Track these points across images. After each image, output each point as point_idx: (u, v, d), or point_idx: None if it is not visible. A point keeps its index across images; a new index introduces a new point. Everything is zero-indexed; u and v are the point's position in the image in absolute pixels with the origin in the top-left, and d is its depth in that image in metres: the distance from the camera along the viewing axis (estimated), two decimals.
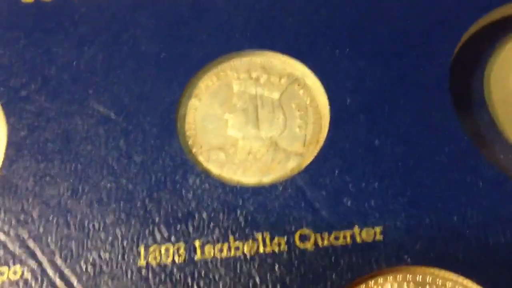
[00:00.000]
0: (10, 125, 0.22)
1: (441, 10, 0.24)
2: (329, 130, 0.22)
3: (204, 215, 0.21)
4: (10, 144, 0.22)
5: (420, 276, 0.19)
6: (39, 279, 0.20)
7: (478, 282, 0.19)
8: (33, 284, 0.20)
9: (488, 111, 0.23)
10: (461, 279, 0.19)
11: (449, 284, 0.19)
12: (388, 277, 0.19)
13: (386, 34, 0.23)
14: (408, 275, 0.19)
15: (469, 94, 0.23)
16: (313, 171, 0.21)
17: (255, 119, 0.23)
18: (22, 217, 0.21)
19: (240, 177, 0.22)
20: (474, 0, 0.24)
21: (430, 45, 0.23)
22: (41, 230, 0.21)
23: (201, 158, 0.22)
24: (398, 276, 0.19)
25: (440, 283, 0.19)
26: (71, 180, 0.21)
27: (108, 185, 0.21)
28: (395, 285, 0.19)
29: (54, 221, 0.21)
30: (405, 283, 0.19)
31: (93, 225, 0.21)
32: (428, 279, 0.19)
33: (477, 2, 0.24)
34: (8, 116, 0.23)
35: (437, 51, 0.23)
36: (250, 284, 0.19)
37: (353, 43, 0.23)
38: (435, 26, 0.23)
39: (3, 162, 0.22)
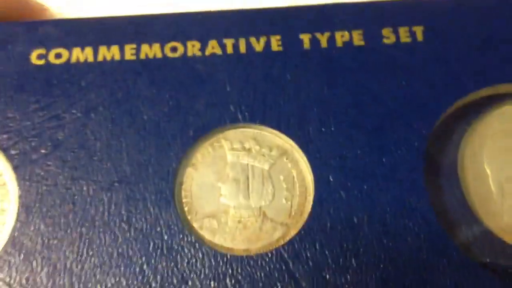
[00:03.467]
0: (21, 188, 0.24)
1: (421, 93, 0.26)
2: (313, 204, 0.24)
3: (197, 282, 0.23)
4: (21, 207, 0.24)
5: None
6: None
7: None
8: None
9: (460, 188, 0.25)
10: None
11: None
12: None
13: (368, 115, 0.25)
14: None
15: (442, 174, 0.25)
16: (296, 244, 0.23)
17: (246, 189, 0.25)
18: (31, 277, 0.23)
19: (230, 244, 0.24)
20: (451, 84, 0.26)
21: (407, 127, 0.25)
22: None
23: (195, 225, 0.24)
24: None
25: None
26: (76, 244, 0.24)
27: (110, 250, 0.24)
28: None
29: (60, 282, 0.23)
30: None
31: None
32: None
33: (454, 86, 0.26)
34: (19, 179, 0.25)
35: (414, 133, 0.25)
36: None
37: (338, 122, 0.25)
38: (414, 108, 0.26)
39: (15, 224, 0.24)
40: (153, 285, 0.23)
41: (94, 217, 0.24)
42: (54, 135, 0.26)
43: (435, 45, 0.27)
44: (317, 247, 0.23)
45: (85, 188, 0.25)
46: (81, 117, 0.26)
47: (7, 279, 0.23)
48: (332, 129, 0.25)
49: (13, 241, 0.24)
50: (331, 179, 0.24)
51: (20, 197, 0.24)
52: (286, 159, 0.26)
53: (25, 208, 0.24)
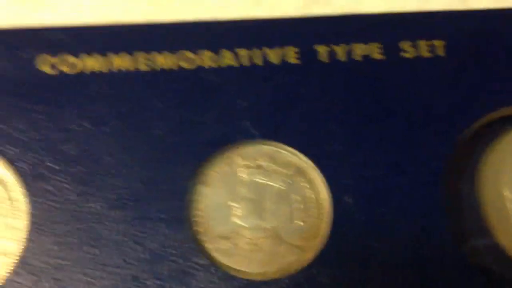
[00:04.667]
0: (32, 205, 0.24)
1: (441, 111, 0.25)
2: (330, 227, 0.24)
3: None
4: (32, 225, 0.23)
5: None
6: None
7: None
8: None
9: (478, 212, 0.24)
10: None
11: None
12: None
13: (387, 134, 0.25)
14: None
15: (461, 195, 0.25)
16: (313, 269, 0.23)
17: (260, 209, 0.24)
18: None
19: (245, 267, 0.23)
20: (472, 103, 0.25)
21: (426, 147, 0.25)
22: None
23: (208, 246, 0.24)
24: None
25: None
26: (87, 265, 0.23)
27: (121, 271, 0.23)
28: None
29: None
30: None
31: None
32: None
33: (475, 105, 0.25)
34: (29, 195, 0.24)
35: (433, 153, 0.24)
36: None
37: (356, 141, 0.25)
38: (433, 126, 0.25)
39: (26, 243, 0.23)
40: None
41: (107, 236, 0.23)
42: (63, 148, 0.25)
43: (456, 61, 0.26)
44: (335, 275, 0.23)
45: (94, 206, 0.24)
46: (90, 130, 0.25)
47: None
48: (351, 147, 0.25)
49: (24, 262, 0.23)
50: (349, 200, 0.24)
51: (31, 214, 0.24)
52: (303, 178, 0.25)
53: (36, 227, 0.23)
